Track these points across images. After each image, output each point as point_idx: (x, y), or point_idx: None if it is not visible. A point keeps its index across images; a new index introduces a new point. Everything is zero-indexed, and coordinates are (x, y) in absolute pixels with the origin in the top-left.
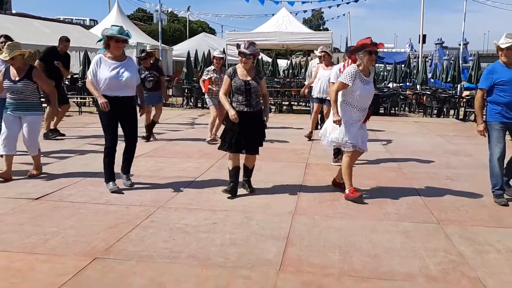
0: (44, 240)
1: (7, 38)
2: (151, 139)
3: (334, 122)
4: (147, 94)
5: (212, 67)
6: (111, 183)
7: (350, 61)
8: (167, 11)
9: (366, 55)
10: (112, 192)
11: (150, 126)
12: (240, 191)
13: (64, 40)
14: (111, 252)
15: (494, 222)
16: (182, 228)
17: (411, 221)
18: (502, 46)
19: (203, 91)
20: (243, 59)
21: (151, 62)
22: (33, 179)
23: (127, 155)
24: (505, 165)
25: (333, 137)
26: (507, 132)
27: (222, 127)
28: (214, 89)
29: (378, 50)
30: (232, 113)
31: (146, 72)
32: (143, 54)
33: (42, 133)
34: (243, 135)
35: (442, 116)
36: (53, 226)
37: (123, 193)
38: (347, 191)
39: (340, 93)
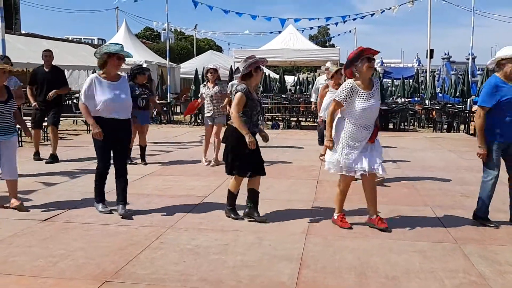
0: (52, 263)
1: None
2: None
3: (326, 146)
4: (139, 113)
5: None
6: (100, 204)
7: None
8: (175, 29)
9: (365, 62)
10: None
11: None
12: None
13: (42, 56)
14: (120, 275)
15: None
16: (193, 249)
17: (428, 241)
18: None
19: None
20: (260, 71)
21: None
22: (42, 201)
23: (123, 183)
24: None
25: (332, 159)
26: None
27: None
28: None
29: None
30: (251, 139)
31: (140, 89)
32: (138, 69)
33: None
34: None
35: (452, 131)
36: (61, 248)
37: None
38: (335, 216)
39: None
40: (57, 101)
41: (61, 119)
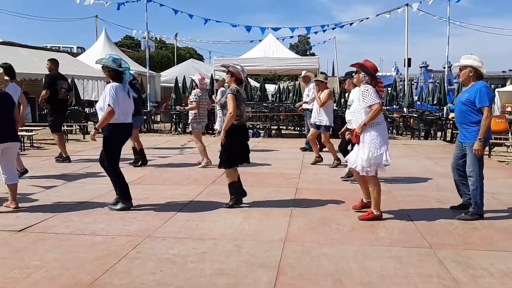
0: (27, 274)
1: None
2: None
3: None
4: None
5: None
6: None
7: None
8: (155, 38)
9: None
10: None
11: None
12: (229, 216)
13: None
14: (96, 285)
15: (486, 245)
16: (170, 258)
17: (404, 246)
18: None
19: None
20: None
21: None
22: (17, 211)
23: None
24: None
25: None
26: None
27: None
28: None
29: (355, 70)
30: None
31: None
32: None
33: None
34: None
35: (429, 138)
36: (36, 259)
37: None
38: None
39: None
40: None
41: (39, 128)
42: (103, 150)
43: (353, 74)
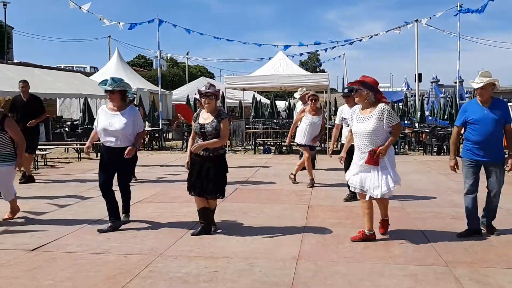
0: None
1: None
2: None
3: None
4: None
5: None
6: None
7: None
8: (167, 57)
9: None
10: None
11: None
12: (241, 234)
13: (19, 86)
14: None
15: (504, 263)
16: (182, 277)
17: (419, 264)
18: (475, 86)
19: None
20: (206, 99)
21: None
22: (30, 230)
23: (121, 197)
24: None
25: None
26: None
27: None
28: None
29: (352, 87)
30: (186, 160)
31: None
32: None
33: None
34: (199, 179)
35: (442, 153)
36: (49, 278)
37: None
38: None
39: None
40: (34, 129)
41: (52, 147)
42: None
43: (352, 93)
